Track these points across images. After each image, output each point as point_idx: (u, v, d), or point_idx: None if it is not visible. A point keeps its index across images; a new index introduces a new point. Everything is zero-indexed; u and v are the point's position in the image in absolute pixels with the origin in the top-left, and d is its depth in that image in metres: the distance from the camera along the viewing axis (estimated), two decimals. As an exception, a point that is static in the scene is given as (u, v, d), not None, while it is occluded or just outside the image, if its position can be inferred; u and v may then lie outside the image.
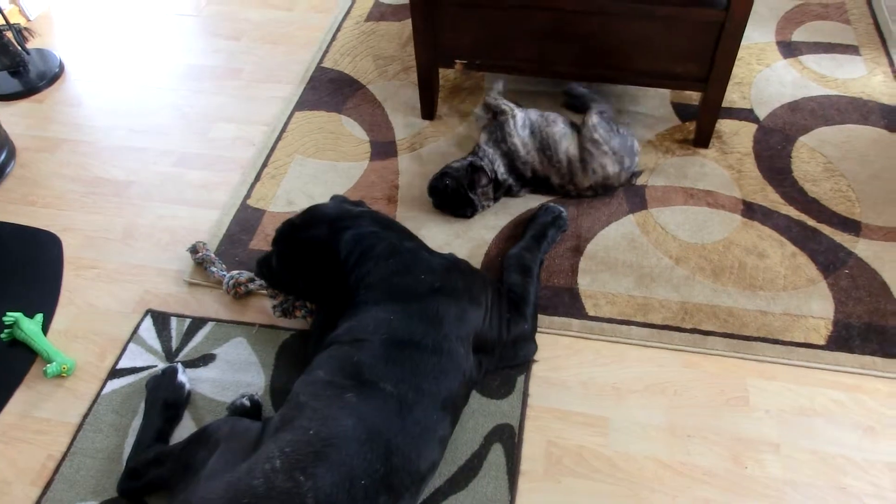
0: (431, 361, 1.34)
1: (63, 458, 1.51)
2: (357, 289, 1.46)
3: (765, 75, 2.25)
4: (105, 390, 1.62)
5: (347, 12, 2.68)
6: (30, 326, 1.71)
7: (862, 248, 1.77)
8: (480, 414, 1.53)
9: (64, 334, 1.75)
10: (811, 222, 1.83)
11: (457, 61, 2.03)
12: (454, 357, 1.37)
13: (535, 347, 1.61)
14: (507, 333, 1.55)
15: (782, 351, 1.58)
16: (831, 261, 1.74)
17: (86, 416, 1.58)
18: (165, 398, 1.54)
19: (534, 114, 1.91)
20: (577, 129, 1.89)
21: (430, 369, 1.33)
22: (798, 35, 2.39)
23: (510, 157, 1.87)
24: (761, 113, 2.13)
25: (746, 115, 2.13)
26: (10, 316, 1.72)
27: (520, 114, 1.89)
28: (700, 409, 1.51)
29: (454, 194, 1.86)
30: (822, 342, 1.59)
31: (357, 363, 1.31)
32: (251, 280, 1.75)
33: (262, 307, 1.75)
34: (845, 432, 1.46)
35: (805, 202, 1.88)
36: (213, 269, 1.79)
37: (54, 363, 1.64)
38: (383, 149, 2.12)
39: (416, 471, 1.25)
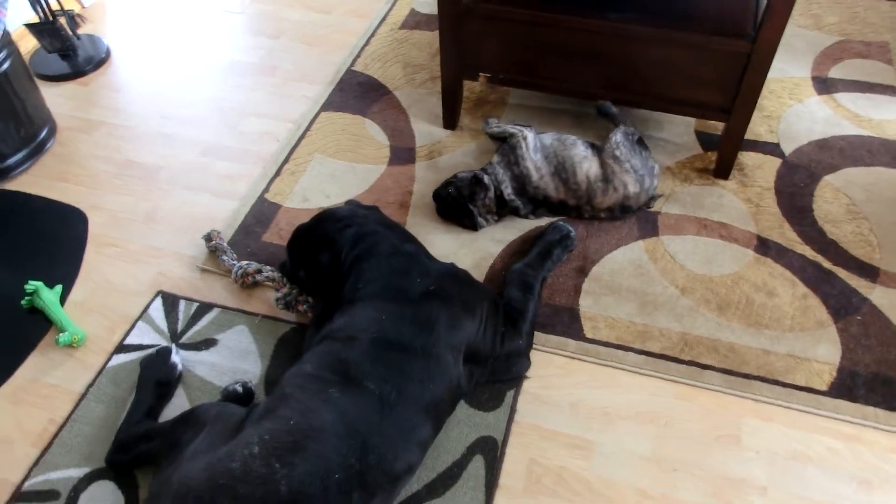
0: (418, 365, 1.35)
1: (64, 424, 1.57)
2: (355, 285, 1.49)
3: (796, 110, 2.21)
4: (110, 363, 1.68)
5: (383, 19, 2.73)
6: (48, 296, 1.78)
7: (878, 295, 1.72)
8: (466, 424, 1.53)
9: (79, 306, 1.82)
10: (827, 264, 1.79)
11: (481, 74, 2.05)
12: (441, 363, 1.38)
13: (528, 364, 1.61)
14: (500, 347, 1.55)
15: (781, 393, 1.55)
16: (843, 305, 1.70)
17: (90, 386, 1.64)
18: (158, 377, 1.58)
19: (548, 137, 1.91)
20: (597, 150, 1.89)
21: (415, 372, 1.34)
22: (836, 72, 2.35)
23: (521, 180, 1.87)
24: (787, 148, 2.09)
25: (772, 149, 2.09)
26: (32, 284, 1.80)
27: (530, 135, 1.88)
28: (689, 443, 1.49)
29: (454, 203, 1.87)
30: (824, 388, 1.56)
31: (344, 360, 1.34)
32: (259, 271, 1.79)
33: (267, 298, 1.79)
34: (839, 483, 1.42)
35: (823, 243, 1.83)
36: (225, 257, 1.84)
37: (66, 333, 1.71)
38: (402, 154, 2.15)
39: (391, 471, 1.26)
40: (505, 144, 1.92)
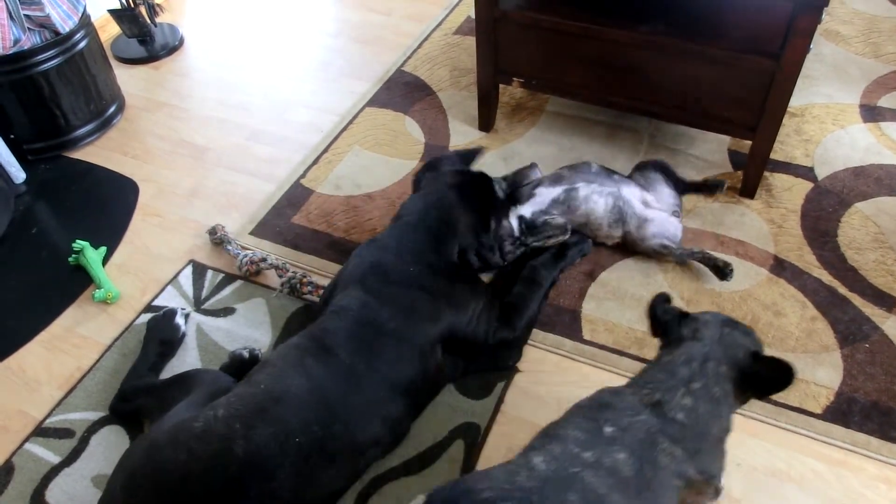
0: (390, 345, 1.42)
1: (88, 372, 1.72)
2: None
3: (836, 136, 2.16)
4: (137, 321, 1.82)
5: (439, 24, 2.83)
6: (92, 255, 1.95)
7: (891, 325, 1.67)
8: (453, 409, 1.58)
9: (118, 267, 1.97)
10: (842, 290, 1.74)
11: (514, 79, 2.10)
12: (416, 348, 1.44)
13: (517, 355, 1.65)
14: (491, 338, 1.60)
15: (772, 410, 1.53)
16: (853, 332, 1.66)
17: (116, 339, 1.78)
18: (162, 336, 1.71)
19: (581, 214, 1.82)
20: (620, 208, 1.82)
21: (386, 352, 1.41)
22: (886, 101, 2.28)
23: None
24: (821, 173, 2.05)
25: (805, 172, 2.05)
26: (79, 244, 1.97)
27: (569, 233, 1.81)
28: (669, 450, 1.49)
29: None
30: (818, 410, 1.53)
31: (324, 330, 1.43)
32: (263, 259, 1.87)
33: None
34: (816, 504, 1.40)
35: (842, 269, 1.79)
36: (230, 247, 1.93)
37: (102, 290, 1.87)
38: (435, 152, 2.23)
39: (353, 441, 1.32)
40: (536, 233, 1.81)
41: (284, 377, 1.31)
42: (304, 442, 1.24)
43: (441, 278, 1.55)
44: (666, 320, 1.29)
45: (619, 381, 1.59)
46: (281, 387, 1.29)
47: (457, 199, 1.68)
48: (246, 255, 1.88)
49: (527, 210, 1.82)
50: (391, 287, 1.49)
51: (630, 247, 1.85)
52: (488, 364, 1.63)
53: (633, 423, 1.10)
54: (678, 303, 1.75)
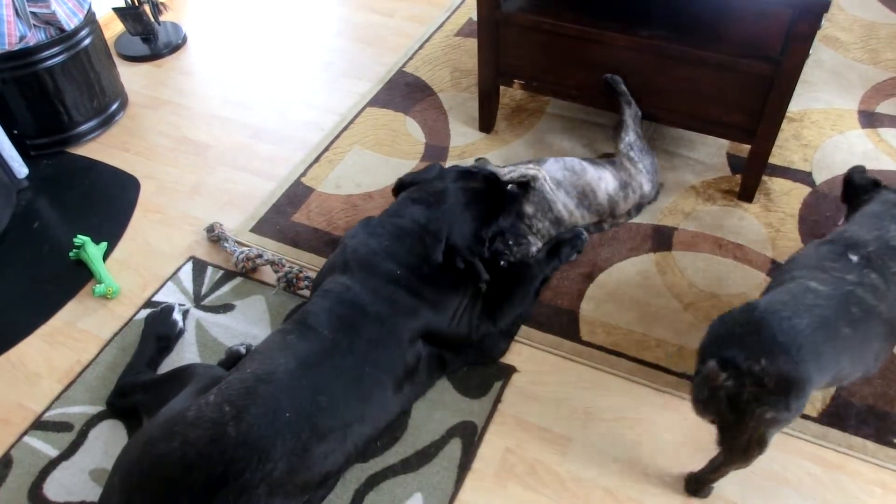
0: (371, 327, 1.45)
1: (87, 366, 1.72)
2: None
3: (835, 141, 2.17)
4: (137, 316, 1.82)
5: (440, 26, 2.84)
6: (93, 251, 1.95)
7: (888, 330, 1.67)
8: (450, 408, 1.59)
9: (119, 263, 1.98)
10: (840, 294, 1.75)
11: (515, 81, 2.11)
12: (395, 334, 1.47)
13: (502, 347, 1.67)
14: (476, 333, 1.62)
15: (768, 413, 1.53)
16: (850, 336, 1.67)
17: (116, 334, 1.79)
18: (159, 332, 1.72)
19: (556, 170, 1.85)
20: (605, 160, 1.93)
21: (368, 332, 1.44)
22: (885, 107, 2.29)
23: (556, 223, 1.84)
24: (819, 178, 2.06)
25: (803, 177, 2.06)
26: (80, 239, 1.97)
27: (546, 173, 1.83)
28: (666, 451, 1.50)
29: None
30: (814, 414, 1.53)
31: (305, 311, 1.46)
32: (259, 256, 1.88)
33: (287, 274, 1.90)
34: (812, 508, 1.40)
35: (840, 273, 1.80)
36: (226, 244, 1.94)
37: (103, 285, 1.87)
38: (435, 153, 2.24)
39: (341, 416, 1.33)
40: (531, 192, 1.82)
41: (271, 359, 1.34)
42: (295, 418, 1.25)
43: (423, 282, 1.55)
44: (862, 184, 1.53)
45: (618, 383, 1.62)
46: (268, 368, 1.31)
47: (456, 205, 1.69)
48: (242, 252, 1.89)
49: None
50: (374, 279, 1.52)
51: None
52: (472, 358, 1.64)
53: (869, 252, 1.32)
54: (676, 305, 1.76)
